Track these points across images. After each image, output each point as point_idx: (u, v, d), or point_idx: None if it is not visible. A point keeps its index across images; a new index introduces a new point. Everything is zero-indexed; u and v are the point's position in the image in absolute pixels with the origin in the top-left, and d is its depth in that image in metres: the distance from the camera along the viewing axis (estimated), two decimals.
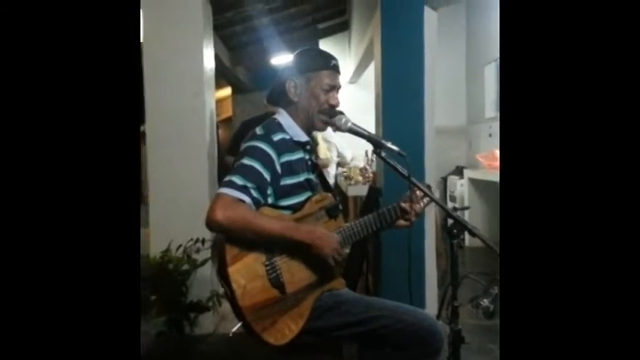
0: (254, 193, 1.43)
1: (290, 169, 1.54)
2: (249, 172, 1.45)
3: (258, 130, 1.56)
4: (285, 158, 1.53)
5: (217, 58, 3.88)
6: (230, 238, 1.42)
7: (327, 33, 6.50)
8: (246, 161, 1.47)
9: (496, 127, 4.87)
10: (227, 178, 1.44)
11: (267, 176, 1.47)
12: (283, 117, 1.61)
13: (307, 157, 1.64)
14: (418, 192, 1.62)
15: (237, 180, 1.42)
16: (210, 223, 1.38)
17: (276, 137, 1.53)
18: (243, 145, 1.54)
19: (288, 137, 1.57)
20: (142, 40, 3.14)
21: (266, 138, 1.52)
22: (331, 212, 1.62)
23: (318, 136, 4.36)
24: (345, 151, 5.24)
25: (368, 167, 4.79)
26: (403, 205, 1.62)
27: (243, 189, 1.41)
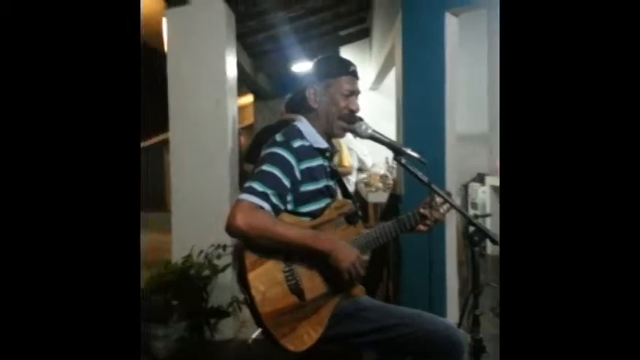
0: (274, 200, 1.44)
1: (310, 175, 1.55)
2: (269, 179, 1.46)
3: (278, 137, 1.57)
4: (305, 165, 1.54)
5: (239, 65, 3.92)
6: (250, 244, 1.43)
7: (348, 40, 6.51)
8: (266, 167, 1.48)
9: None
10: (247, 184, 1.45)
11: (286, 183, 1.48)
12: (303, 124, 1.62)
13: (327, 163, 1.64)
14: (438, 199, 1.61)
15: (257, 186, 1.43)
16: (231, 229, 1.40)
17: (296, 144, 1.54)
18: (263, 152, 1.55)
19: (307, 144, 1.57)
20: (166, 49, 3.20)
21: (286, 145, 1.53)
22: (350, 219, 1.62)
23: (342, 143, 4.36)
24: (366, 158, 5.23)
25: (388, 174, 4.77)
26: (422, 211, 1.62)
27: (263, 195, 1.43)
